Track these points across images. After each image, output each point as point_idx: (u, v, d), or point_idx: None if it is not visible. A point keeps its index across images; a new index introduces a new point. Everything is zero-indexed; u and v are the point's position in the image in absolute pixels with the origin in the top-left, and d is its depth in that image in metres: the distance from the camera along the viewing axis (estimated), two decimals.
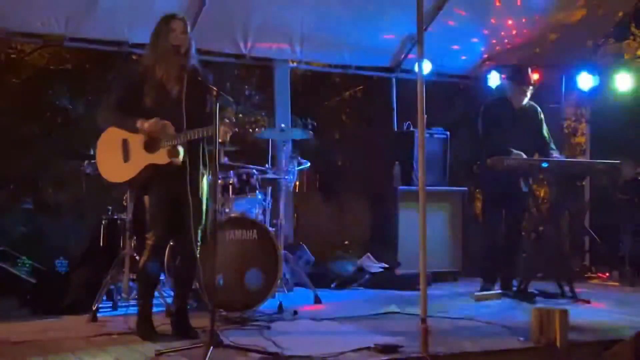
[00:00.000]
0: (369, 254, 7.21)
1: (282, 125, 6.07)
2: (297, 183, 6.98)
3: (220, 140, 4.14)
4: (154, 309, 4.52)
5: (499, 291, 6.19)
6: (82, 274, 5.42)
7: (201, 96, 4.29)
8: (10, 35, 6.80)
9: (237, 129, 4.25)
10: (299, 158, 6.13)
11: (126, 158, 4.35)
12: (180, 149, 4.27)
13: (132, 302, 5.06)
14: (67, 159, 7.46)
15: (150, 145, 4.29)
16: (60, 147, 7.74)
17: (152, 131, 4.24)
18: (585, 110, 8.48)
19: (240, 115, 4.51)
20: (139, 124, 4.25)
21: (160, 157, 4.27)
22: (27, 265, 5.93)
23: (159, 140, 4.27)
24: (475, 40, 8.00)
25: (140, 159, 4.30)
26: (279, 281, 5.30)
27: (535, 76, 6.70)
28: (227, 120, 4.24)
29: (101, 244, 5.71)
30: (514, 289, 6.11)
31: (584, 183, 8.07)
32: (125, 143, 4.35)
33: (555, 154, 6.27)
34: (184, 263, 4.45)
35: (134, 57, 7.07)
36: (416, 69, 5.00)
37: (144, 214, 4.48)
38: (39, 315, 5.12)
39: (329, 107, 10.01)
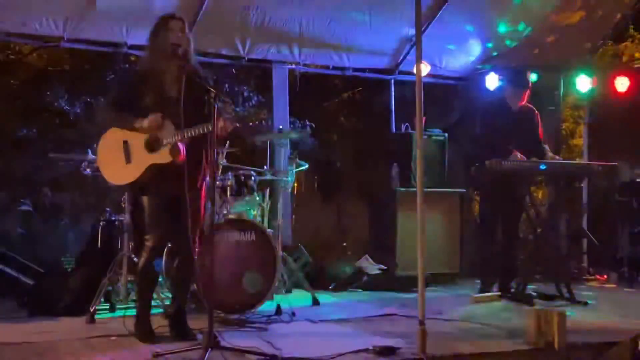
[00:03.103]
0: (367, 255, 7.21)
1: (281, 126, 6.07)
2: (296, 184, 6.98)
3: (219, 133, 4.14)
4: (152, 311, 4.52)
5: (497, 293, 6.20)
6: (79, 276, 5.41)
7: (199, 97, 4.28)
8: (8, 36, 6.80)
9: (237, 124, 4.26)
10: (297, 159, 6.13)
11: (128, 159, 4.33)
12: (181, 148, 4.27)
13: (130, 304, 5.06)
14: (66, 161, 7.46)
15: (151, 145, 4.29)
16: (58, 149, 7.73)
17: (152, 127, 4.23)
18: (583, 112, 8.48)
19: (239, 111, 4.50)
20: (137, 123, 4.25)
21: (163, 157, 4.26)
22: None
23: (160, 140, 4.27)
24: (473, 42, 8.00)
25: (143, 160, 4.28)
26: (276, 283, 5.30)
27: (533, 78, 6.70)
28: (226, 116, 4.24)
29: (99, 246, 5.70)
30: (512, 290, 6.11)
31: (582, 185, 8.07)
32: (125, 144, 4.34)
33: (549, 154, 6.28)
34: (182, 265, 4.45)
35: (132, 58, 7.07)
36: (414, 70, 5.01)
37: (141, 215, 4.47)
38: (37, 316, 5.11)
39: (327, 108, 10.01)
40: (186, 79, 4.26)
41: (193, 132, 4.18)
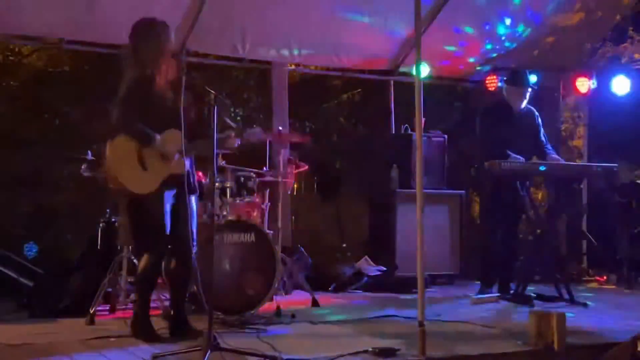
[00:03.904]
0: (366, 256, 7.21)
1: (280, 128, 6.07)
2: (295, 186, 6.98)
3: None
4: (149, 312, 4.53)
5: (497, 294, 6.20)
6: (79, 277, 5.41)
7: (194, 101, 4.35)
8: (8, 37, 6.80)
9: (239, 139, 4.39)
10: (297, 161, 6.13)
11: (144, 167, 4.33)
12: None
13: (130, 305, 5.05)
14: (66, 162, 7.46)
15: (165, 155, 4.34)
16: (58, 150, 7.74)
17: (171, 150, 4.32)
18: (582, 113, 8.49)
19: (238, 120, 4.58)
20: (158, 142, 4.30)
21: (178, 167, 4.34)
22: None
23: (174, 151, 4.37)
24: (473, 43, 8.00)
25: (160, 169, 4.32)
26: (276, 284, 5.30)
27: (533, 79, 6.70)
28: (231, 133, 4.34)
29: (99, 247, 5.70)
30: (512, 292, 6.11)
31: (581, 186, 8.07)
32: (139, 151, 4.32)
33: (554, 155, 6.29)
34: (180, 265, 4.49)
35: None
36: (414, 72, 5.01)
37: (143, 218, 4.46)
38: (36, 318, 5.11)
39: (327, 110, 10.02)
40: (184, 84, 4.31)
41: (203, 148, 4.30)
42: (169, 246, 4.48)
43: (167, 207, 4.38)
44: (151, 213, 4.36)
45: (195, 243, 4.50)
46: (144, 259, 4.41)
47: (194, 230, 4.51)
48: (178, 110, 4.27)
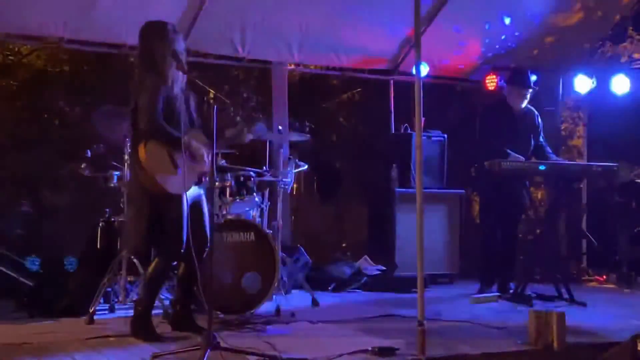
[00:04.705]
0: (366, 256, 7.21)
1: (280, 127, 6.07)
2: (295, 185, 6.98)
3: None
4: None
5: (496, 294, 6.20)
6: (79, 277, 5.41)
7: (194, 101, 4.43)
8: (7, 37, 6.80)
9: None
10: (297, 160, 6.13)
11: (175, 168, 4.34)
12: None
13: (129, 305, 5.05)
14: (65, 161, 7.46)
15: (192, 154, 4.39)
16: (57, 150, 7.73)
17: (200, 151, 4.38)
18: (582, 113, 8.49)
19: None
20: (188, 142, 4.32)
21: (203, 166, 4.42)
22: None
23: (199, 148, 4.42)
24: (472, 42, 8.00)
25: (189, 168, 4.33)
26: (276, 283, 5.30)
27: (533, 79, 6.71)
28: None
29: (98, 246, 5.70)
30: (511, 291, 6.12)
31: (581, 186, 8.07)
32: (171, 154, 4.34)
33: (553, 157, 6.29)
34: (187, 267, 4.53)
35: (131, 59, 7.06)
36: (414, 71, 5.02)
37: (167, 220, 4.46)
38: (36, 317, 5.11)
39: (327, 109, 9.99)
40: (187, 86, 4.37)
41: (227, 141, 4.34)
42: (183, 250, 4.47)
43: (184, 205, 4.37)
44: (177, 214, 4.35)
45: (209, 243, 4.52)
46: (157, 260, 4.45)
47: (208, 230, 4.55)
48: (187, 111, 4.35)
